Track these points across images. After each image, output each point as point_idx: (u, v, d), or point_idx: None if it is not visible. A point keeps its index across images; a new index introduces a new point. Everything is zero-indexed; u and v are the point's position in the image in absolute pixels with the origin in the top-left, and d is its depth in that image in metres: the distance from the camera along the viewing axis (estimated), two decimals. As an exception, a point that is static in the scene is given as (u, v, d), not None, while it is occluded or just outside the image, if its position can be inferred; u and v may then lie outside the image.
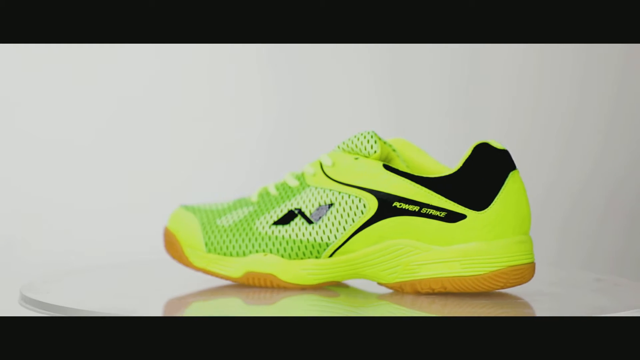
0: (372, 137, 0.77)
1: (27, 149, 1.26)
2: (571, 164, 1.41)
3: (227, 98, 1.34)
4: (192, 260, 0.80)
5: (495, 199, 0.73)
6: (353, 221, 0.76)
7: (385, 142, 0.78)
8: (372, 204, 0.76)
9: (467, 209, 0.74)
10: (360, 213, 0.76)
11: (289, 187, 0.80)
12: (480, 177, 0.74)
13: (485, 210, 0.73)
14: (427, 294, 0.76)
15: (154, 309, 0.71)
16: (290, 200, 0.79)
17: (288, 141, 1.36)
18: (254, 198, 0.81)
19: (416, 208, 0.75)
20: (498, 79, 1.42)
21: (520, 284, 0.74)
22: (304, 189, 0.79)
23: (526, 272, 0.74)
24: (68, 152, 1.27)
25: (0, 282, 1.19)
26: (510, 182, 0.74)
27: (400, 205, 0.75)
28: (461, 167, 0.75)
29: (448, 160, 1.45)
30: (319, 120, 1.37)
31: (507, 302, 0.73)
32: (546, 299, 0.77)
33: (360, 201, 0.76)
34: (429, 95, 1.40)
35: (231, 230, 0.79)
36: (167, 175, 1.32)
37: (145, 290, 0.81)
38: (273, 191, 0.80)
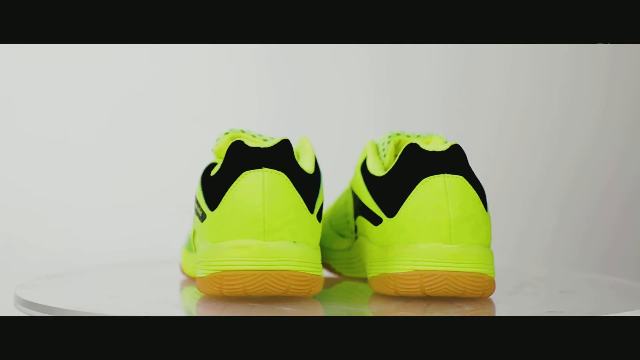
0: None
1: (27, 148, 1.26)
2: (561, 166, 1.42)
3: (226, 98, 1.35)
4: None
5: (403, 206, 0.69)
6: None
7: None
8: None
9: (382, 214, 0.71)
10: None
11: None
12: (399, 180, 0.70)
13: (394, 217, 0.70)
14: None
15: (153, 310, 0.71)
16: None
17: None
18: None
19: (358, 205, 0.74)
20: (490, 81, 1.42)
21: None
22: None
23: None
24: (68, 152, 1.28)
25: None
26: (421, 189, 0.69)
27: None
28: (391, 169, 0.71)
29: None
30: (318, 119, 1.37)
31: (499, 303, 0.74)
32: (538, 299, 0.77)
33: None
34: (422, 95, 1.40)
35: None
36: (167, 175, 1.32)
37: (144, 290, 0.81)
38: None
